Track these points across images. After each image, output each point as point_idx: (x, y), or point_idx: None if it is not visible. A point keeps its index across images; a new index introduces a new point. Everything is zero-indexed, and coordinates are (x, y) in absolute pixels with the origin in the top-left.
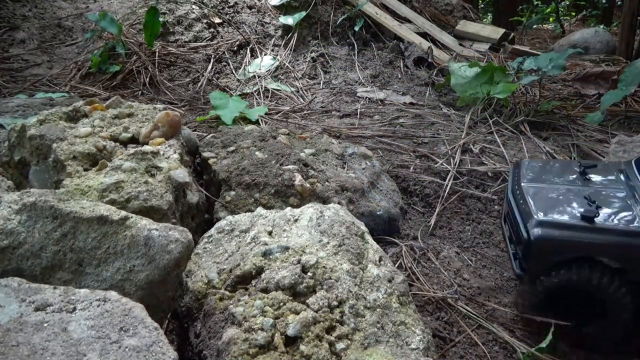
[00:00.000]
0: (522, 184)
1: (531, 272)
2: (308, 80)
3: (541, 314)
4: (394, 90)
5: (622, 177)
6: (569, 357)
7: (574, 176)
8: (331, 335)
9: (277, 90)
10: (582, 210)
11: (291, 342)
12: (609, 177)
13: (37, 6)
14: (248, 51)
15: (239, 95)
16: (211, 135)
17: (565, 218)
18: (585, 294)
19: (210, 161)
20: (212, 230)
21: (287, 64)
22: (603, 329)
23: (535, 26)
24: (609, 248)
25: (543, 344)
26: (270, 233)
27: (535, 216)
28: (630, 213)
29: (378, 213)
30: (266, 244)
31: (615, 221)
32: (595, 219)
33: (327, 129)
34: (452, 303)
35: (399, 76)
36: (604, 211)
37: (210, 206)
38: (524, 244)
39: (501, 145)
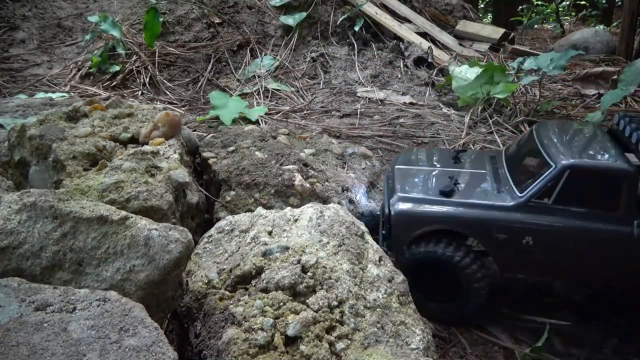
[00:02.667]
0: (395, 167)
1: (394, 246)
2: (308, 80)
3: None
4: (394, 90)
5: (490, 162)
6: (567, 357)
7: (446, 160)
8: (331, 335)
9: (277, 90)
10: (442, 186)
11: (291, 342)
12: (478, 162)
13: (37, 6)
14: (248, 51)
15: (239, 95)
16: (211, 135)
17: (425, 194)
18: (443, 268)
19: (210, 161)
20: (212, 230)
21: (287, 64)
22: (459, 301)
23: (535, 26)
24: (459, 219)
25: (539, 343)
26: (270, 233)
27: (398, 193)
28: (487, 191)
29: (378, 213)
30: (266, 244)
31: (470, 196)
32: (453, 194)
33: (327, 129)
34: None
35: (399, 76)
36: (462, 188)
37: (210, 206)
38: (386, 219)
39: (501, 145)
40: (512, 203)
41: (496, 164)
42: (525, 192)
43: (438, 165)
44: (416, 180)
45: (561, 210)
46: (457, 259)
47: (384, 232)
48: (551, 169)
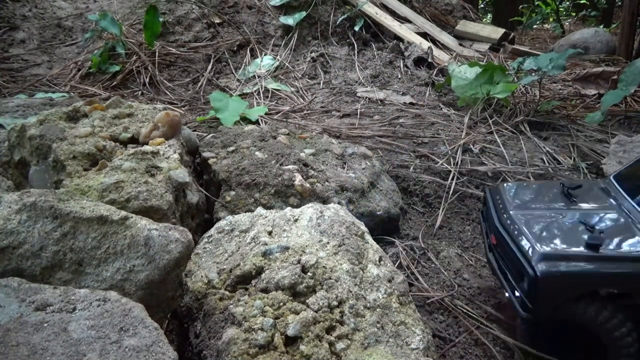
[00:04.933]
0: (511, 212)
1: (538, 313)
2: (308, 80)
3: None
4: (394, 90)
5: (609, 196)
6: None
7: (561, 198)
8: (331, 335)
9: (277, 90)
10: (585, 238)
11: (291, 342)
12: (595, 197)
13: (37, 6)
14: (248, 51)
15: (239, 95)
16: (211, 135)
17: (569, 249)
18: (588, 334)
19: (210, 161)
20: (212, 230)
21: (287, 64)
22: None
23: (535, 26)
24: (621, 278)
25: None
26: (270, 233)
27: (539, 249)
28: (634, 237)
29: (378, 213)
30: (266, 244)
31: (623, 248)
32: (601, 247)
33: (327, 129)
34: (452, 303)
35: (399, 76)
36: (607, 237)
37: (210, 206)
38: (528, 281)
39: (501, 145)
40: None
41: (618, 199)
42: None
43: (557, 207)
44: (547, 229)
45: None
46: (615, 327)
47: (513, 291)
48: None
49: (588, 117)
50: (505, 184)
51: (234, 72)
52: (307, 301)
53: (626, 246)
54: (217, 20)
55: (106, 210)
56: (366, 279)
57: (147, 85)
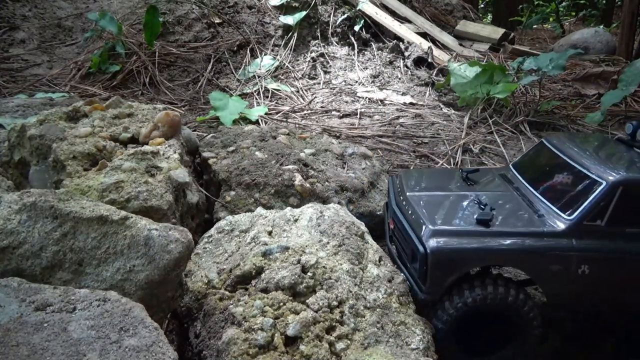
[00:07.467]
0: (408, 194)
1: (434, 292)
2: (308, 80)
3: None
4: (394, 90)
5: (506, 181)
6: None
7: (459, 182)
8: (331, 335)
9: (277, 90)
10: (475, 214)
11: (291, 342)
12: (493, 181)
13: (37, 6)
14: (248, 51)
15: (239, 95)
16: (211, 135)
17: (460, 225)
18: (493, 314)
19: (210, 161)
20: (212, 230)
21: (287, 64)
22: (516, 347)
23: (535, 26)
24: (511, 253)
25: None
26: (270, 233)
27: (430, 226)
28: (526, 215)
29: (378, 213)
30: (266, 244)
31: (512, 224)
32: (491, 223)
33: (327, 129)
34: None
35: (399, 76)
36: (498, 214)
37: (210, 206)
38: (420, 259)
39: (501, 145)
40: (562, 228)
41: (513, 183)
42: (574, 214)
43: (454, 188)
44: (440, 208)
45: (617, 232)
46: (513, 300)
47: (411, 274)
48: (602, 187)
49: (588, 117)
50: (406, 171)
51: (234, 72)
52: (307, 301)
53: (516, 222)
54: (217, 20)
55: (106, 210)
56: (366, 279)
57: (147, 85)
